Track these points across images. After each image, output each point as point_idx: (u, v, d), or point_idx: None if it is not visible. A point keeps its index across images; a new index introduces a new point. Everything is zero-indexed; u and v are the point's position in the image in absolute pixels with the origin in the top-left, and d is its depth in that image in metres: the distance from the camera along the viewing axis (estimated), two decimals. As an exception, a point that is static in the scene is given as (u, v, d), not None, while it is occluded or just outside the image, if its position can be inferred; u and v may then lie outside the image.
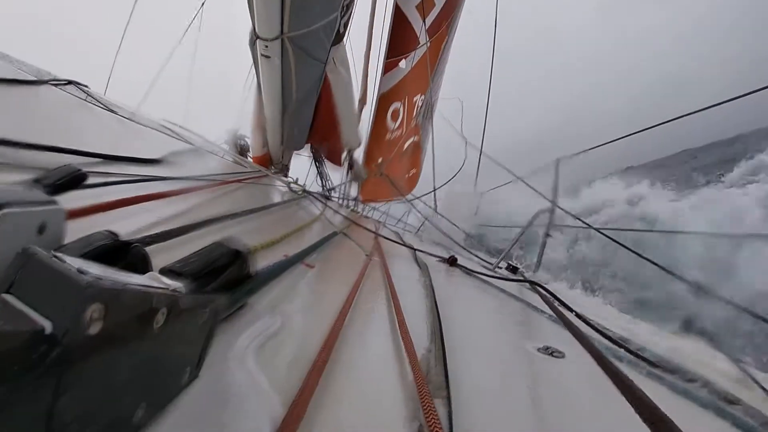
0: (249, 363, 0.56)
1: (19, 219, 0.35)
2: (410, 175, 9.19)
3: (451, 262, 2.18)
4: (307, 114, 4.16)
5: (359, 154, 7.06)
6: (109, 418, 0.31)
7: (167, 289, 0.39)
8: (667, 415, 0.45)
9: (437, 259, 2.24)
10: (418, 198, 6.83)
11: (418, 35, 7.57)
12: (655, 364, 1.12)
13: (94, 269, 0.29)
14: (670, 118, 2.53)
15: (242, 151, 6.06)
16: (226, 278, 0.55)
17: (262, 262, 0.87)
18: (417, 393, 0.59)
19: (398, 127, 8.64)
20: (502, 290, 1.84)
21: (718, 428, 0.86)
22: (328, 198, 4.34)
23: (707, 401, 0.94)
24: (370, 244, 2.26)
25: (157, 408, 0.39)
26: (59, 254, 0.28)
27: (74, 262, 0.27)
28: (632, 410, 0.48)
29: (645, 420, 0.46)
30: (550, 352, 1.05)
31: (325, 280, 1.22)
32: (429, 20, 6.97)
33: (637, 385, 0.52)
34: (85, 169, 0.57)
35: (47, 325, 0.24)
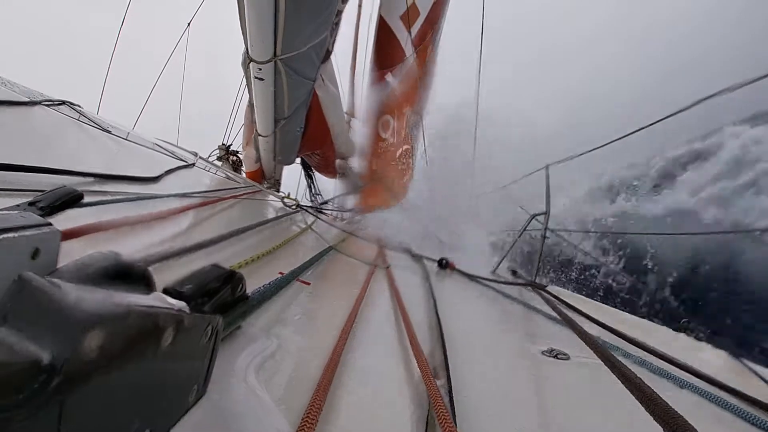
0: (251, 383, 0.55)
1: (13, 245, 0.34)
2: (404, 181, 9.27)
3: (444, 265, 2.19)
4: (298, 129, 4.22)
5: (354, 163, 7.11)
6: None
7: (173, 308, 0.38)
8: (677, 411, 0.45)
9: (435, 263, 2.25)
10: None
11: (404, 47, 7.67)
12: (665, 358, 1.12)
13: (94, 294, 0.28)
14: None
15: (235, 166, 6.07)
16: (220, 299, 0.55)
17: (256, 281, 0.87)
18: (433, 411, 0.58)
19: (390, 137, 8.73)
20: (503, 294, 1.84)
21: (727, 421, 0.87)
22: (320, 211, 4.34)
23: (712, 396, 0.95)
24: (368, 254, 2.24)
25: (164, 429, 0.39)
26: (55, 280, 0.27)
27: (71, 289, 0.27)
28: (642, 409, 0.48)
29: (656, 418, 0.46)
30: (554, 354, 1.05)
31: (322, 296, 1.20)
32: (414, 29, 7.04)
33: (646, 384, 0.52)
34: (81, 189, 0.56)
35: (45, 356, 0.23)
